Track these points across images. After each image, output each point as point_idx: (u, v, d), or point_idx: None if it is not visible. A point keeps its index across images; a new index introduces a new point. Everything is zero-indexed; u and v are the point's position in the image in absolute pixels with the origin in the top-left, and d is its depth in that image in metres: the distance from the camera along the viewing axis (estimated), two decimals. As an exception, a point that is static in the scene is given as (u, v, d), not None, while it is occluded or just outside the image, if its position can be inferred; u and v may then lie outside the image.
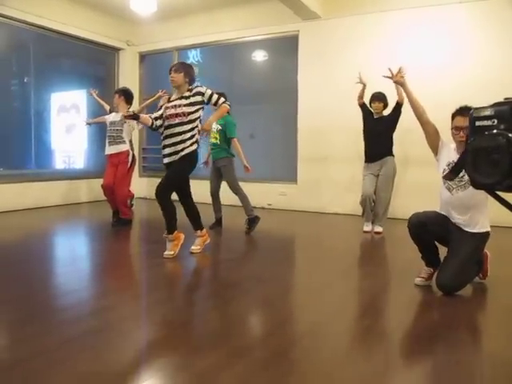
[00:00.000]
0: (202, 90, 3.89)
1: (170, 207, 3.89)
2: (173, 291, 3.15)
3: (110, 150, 5.63)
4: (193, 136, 3.87)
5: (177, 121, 3.83)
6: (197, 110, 3.88)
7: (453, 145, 3.12)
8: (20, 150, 7.53)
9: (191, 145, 3.87)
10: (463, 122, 2.85)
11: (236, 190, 5.27)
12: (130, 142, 5.78)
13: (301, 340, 2.36)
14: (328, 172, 6.84)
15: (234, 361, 2.06)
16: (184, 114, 3.82)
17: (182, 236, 4.04)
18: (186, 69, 3.93)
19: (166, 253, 3.89)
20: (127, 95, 5.69)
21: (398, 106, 5.05)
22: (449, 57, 5.76)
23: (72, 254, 4.53)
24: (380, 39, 6.44)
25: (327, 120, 6.72)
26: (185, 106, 3.83)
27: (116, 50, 8.69)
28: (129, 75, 8.62)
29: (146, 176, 8.62)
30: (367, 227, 5.31)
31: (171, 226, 3.91)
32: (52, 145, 8.17)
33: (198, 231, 4.15)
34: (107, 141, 5.65)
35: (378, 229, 5.21)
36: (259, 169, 7.71)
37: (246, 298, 3.03)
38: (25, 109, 7.62)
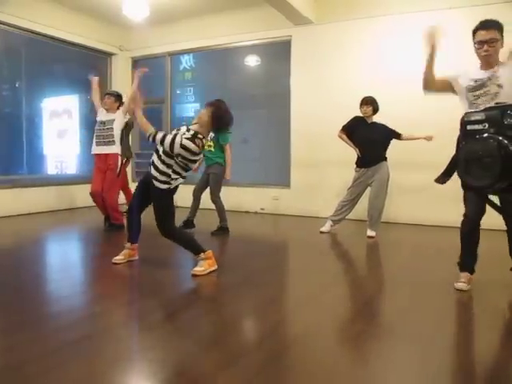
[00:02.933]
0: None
1: (183, 236, 3.77)
2: (166, 297, 3.14)
3: (97, 149, 5.51)
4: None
5: None
6: None
7: (474, 66, 3.06)
8: (11, 156, 7.48)
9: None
10: (485, 35, 2.87)
11: (215, 199, 5.35)
12: (126, 143, 5.74)
13: (295, 344, 2.35)
14: (321, 177, 6.86)
15: (228, 365, 2.05)
16: None
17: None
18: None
19: (196, 268, 3.57)
20: (120, 99, 5.60)
21: (396, 136, 5.26)
22: (439, 62, 5.79)
23: (64, 260, 4.49)
24: (372, 44, 6.48)
25: (320, 124, 6.74)
26: None
27: (108, 54, 8.68)
28: (121, 80, 8.60)
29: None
30: (327, 226, 5.53)
31: (196, 249, 3.66)
32: (44, 150, 8.13)
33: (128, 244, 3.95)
34: (95, 140, 5.52)
35: (372, 233, 5.22)
36: (252, 173, 7.73)
37: (240, 303, 3.02)
38: (16, 114, 7.57)
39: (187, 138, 3.40)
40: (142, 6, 6.61)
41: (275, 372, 2.03)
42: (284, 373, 2.06)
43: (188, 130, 3.51)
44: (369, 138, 5.20)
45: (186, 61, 8.49)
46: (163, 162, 3.50)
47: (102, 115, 5.55)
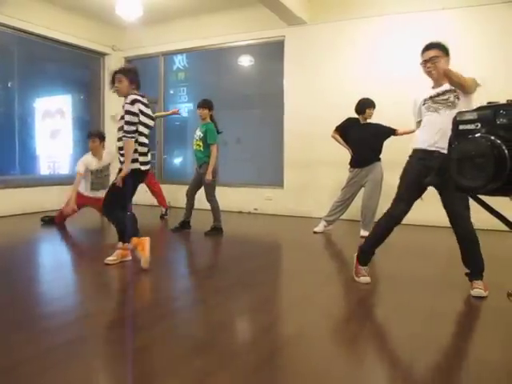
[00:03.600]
0: (127, 101, 3.67)
1: (121, 221, 3.80)
2: (159, 298, 3.13)
3: (95, 193, 5.61)
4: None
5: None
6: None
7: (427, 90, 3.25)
8: (3, 156, 7.41)
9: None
10: (427, 55, 3.11)
11: (210, 198, 5.34)
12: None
13: (288, 344, 2.35)
14: (314, 177, 6.87)
15: (221, 367, 2.05)
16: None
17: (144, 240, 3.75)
18: (130, 76, 3.75)
19: (108, 258, 3.78)
20: (103, 139, 5.70)
21: (392, 133, 5.24)
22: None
23: (57, 261, 4.46)
24: (365, 44, 6.50)
25: (313, 125, 6.75)
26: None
27: (101, 54, 8.64)
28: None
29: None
30: (320, 226, 5.53)
31: (125, 237, 3.75)
32: (36, 150, 8.07)
33: (120, 243, 3.93)
34: (90, 185, 5.62)
35: (365, 233, 5.22)
36: (245, 173, 7.73)
37: (233, 303, 3.03)
38: (8, 114, 7.51)
39: (129, 103, 3.61)
40: (136, 5, 6.58)
41: (269, 373, 2.03)
42: (277, 373, 2.06)
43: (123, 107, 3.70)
44: (362, 139, 5.22)
45: (180, 61, 8.47)
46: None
47: (94, 163, 5.61)
